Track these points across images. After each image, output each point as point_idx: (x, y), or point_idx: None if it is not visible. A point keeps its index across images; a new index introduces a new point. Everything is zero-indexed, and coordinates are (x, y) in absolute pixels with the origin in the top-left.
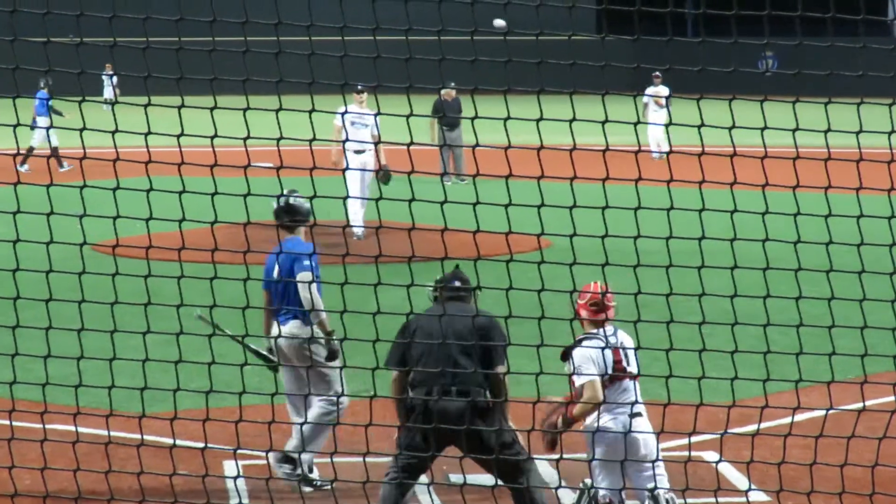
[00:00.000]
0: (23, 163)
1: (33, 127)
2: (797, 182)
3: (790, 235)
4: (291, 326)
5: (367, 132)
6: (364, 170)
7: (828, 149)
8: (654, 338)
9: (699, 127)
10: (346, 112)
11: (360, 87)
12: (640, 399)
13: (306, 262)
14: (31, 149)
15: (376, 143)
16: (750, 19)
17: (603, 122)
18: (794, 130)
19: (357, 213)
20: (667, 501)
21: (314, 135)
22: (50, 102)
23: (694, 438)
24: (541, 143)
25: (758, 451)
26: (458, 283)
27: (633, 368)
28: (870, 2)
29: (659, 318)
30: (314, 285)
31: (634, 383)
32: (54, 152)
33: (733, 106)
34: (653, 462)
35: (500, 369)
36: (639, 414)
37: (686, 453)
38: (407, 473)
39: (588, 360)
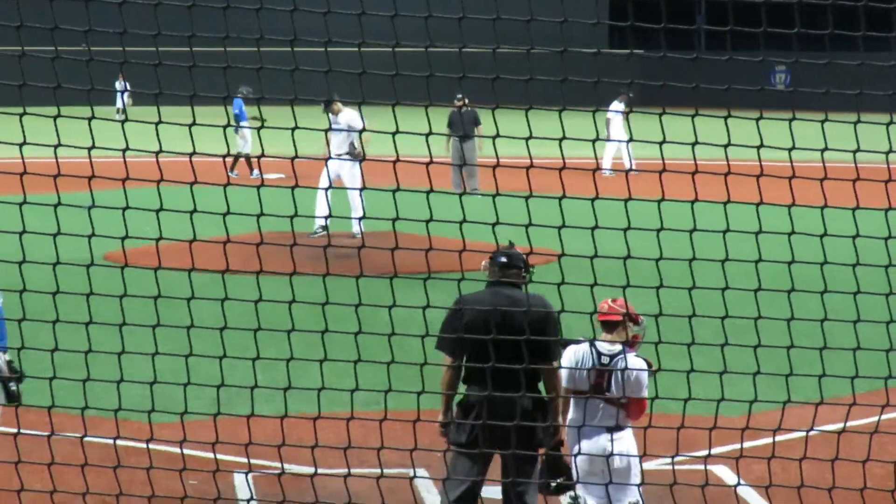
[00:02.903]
0: (252, 170)
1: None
2: (825, 202)
3: (816, 253)
4: None
5: (341, 138)
6: (331, 171)
7: (855, 164)
8: (671, 353)
9: (725, 146)
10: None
11: (334, 98)
12: (618, 422)
13: None
14: (246, 155)
15: (362, 131)
16: (757, 35)
17: (628, 141)
18: (822, 150)
19: (321, 209)
20: None
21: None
22: (240, 110)
23: (702, 453)
24: (563, 162)
25: (764, 465)
26: (503, 259)
27: (615, 393)
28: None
29: (680, 338)
30: None
31: (616, 408)
32: (236, 158)
33: (757, 125)
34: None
35: (555, 363)
36: (617, 431)
37: (700, 467)
38: (469, 483)
39: (568, 360)
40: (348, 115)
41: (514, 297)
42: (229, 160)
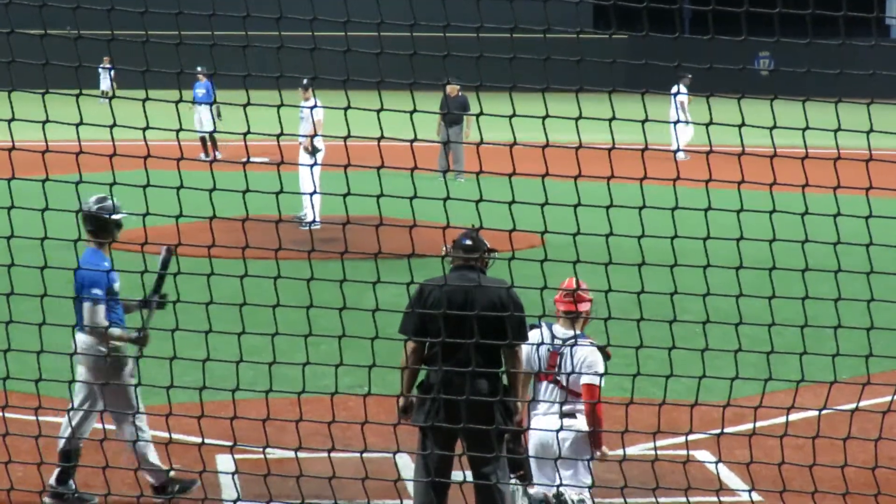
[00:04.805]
0: (208, 152)
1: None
2: (806, 181)
3: (798, 235)
4: (82, 340)
5: (304, 125)
6: (300, 163)
7: (837, 149)
8: (652, 336)
9: (707, 125)
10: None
11: (304, 83)
12: (570, 406)
13: (96, 291)
14: (203, 136)
15: (313, 136)
16: (741, 20)
17: (610, 120)
18: (803, 130)
19: (303, 203)
20: (571, 501)
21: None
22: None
23: (688, 438)
24: (546, 140)
25: (746, 450)
26: (467, 242)
27: (565, 378)
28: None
29: (661, 317)
30: (101, 311)
31: (566, 393)
32: (211, 139)
33: (739, 104)
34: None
35: (518, 348)
36: (569, 415)
37: (683, 452)
38: (438, 462)
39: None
40: (311, 104)
41: (479, 282)
42: (211, 146)
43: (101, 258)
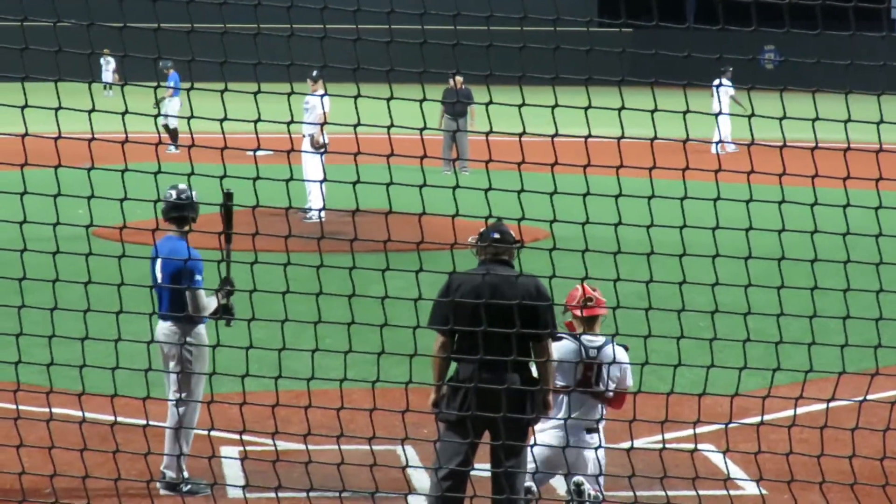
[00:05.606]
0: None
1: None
2: (815, 172)
3: (807, 226)
4: (164, 328)
5: (309, 116)
6: (303, 150)
7: (847, 140)
8: (660, 327)
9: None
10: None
11: (314, 74)
12: (600, 416)
13: (198, 278)
14: (172, 129)
15: (322, 124)
16: (750, 13)
17: (619, 110)
18: (813, 120)
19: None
20: (589, 496)
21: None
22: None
23: (692, 431)
24: (555, 130)
25: (752, 443)
26: (496, 235)
27: (602, 387)
28: None
29: (669, 307)
30: (202, 297)
31: (599, 403)
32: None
33: (749, 95)
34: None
35: (547, 340)
36: (594, 430)
37: (690, 443)
38: (462, 455)
39: (556, 351)
40: (317, 98)
41: (507, 275)
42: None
43: (186, 246)
